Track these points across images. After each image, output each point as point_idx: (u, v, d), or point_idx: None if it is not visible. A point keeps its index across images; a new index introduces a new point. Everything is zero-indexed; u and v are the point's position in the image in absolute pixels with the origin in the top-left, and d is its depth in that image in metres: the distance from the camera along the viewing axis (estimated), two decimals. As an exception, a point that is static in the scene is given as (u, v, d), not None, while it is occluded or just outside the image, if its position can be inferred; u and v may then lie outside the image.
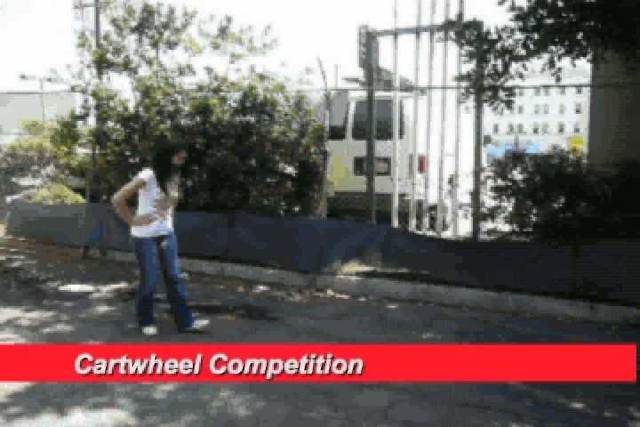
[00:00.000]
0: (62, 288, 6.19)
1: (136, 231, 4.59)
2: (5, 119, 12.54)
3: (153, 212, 4.57)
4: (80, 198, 9.15)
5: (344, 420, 3.23)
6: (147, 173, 4.55)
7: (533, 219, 6.07)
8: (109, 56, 7.87)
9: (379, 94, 7.37)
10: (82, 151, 8.88)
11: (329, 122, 7.15)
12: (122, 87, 8.05)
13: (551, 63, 4.75)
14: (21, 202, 9.04)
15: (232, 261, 6.91)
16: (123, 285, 6.38)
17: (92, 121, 8.16)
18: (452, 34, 5.39)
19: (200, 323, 4.80)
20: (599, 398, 3.54)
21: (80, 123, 8.05)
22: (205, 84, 7.43)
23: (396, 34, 7.10)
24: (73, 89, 7.99)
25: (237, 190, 6.92)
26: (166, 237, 4.70)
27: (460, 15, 6.54)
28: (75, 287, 6.22)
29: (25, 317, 5.14)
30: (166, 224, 4.70)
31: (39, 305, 5.54)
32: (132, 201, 4.65)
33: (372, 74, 7.11)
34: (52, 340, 4.52)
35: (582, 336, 4.71)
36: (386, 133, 7.44)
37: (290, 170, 7.01)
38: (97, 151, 8.10)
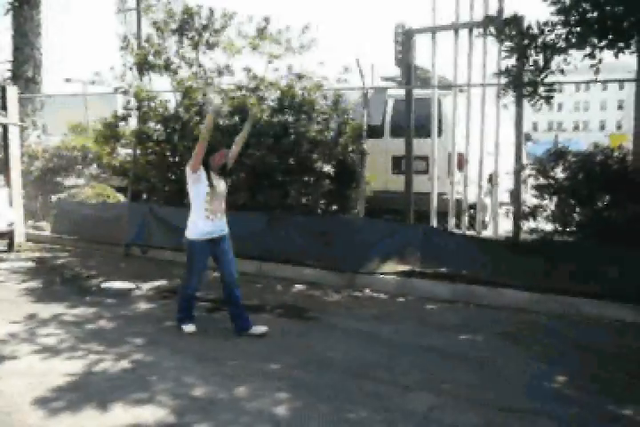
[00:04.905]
0: (104, 285, 6.33)
1: (190, 233, 4.55)
2: (52, 121, 12.89)
3: (204, 209, 4.49)
4: (121, 197, 9.34)
5: (383, 422, 3.19)
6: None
7: (577, 218, 5.93)
8: (150, 58, 8.02)
9: (417, 92, 7.30)
10: (123, 151, 9.07)
11: (367, 121, 7.12)
12: (162, 88, 8.19)
13: (591, 55, 4.62)
14: (65, 201, 9.28)
15: (270, 260, 6.94)
16: (162, 282, 6.48)
17: (133, 122, 8.32)
18: (491, 29, 5.30)
19: (259, 329, 4.66)
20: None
21: (122, 123, 8.22)
22: (244, 84, 7.49)
23: (434, 31, 7.02)
24: (116, 91, 8.16)
25: (276, 189, 6.95)
26: (221, 239, 4.60)
27: (501, 11, 6.42)
28: (116, 285, 6.35)
29: (69, 312, 5.27)
30: (220, 224, 4.60)
31: (82, 301, 5.68)
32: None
33: (410, 72, 7.05)
34: (95, 336, 4.62)
35: (632, 341, 4.57)
36: (424, 132, 7.35)
37: (327, 169, 7.00)
38: (138, 151, 8.26)
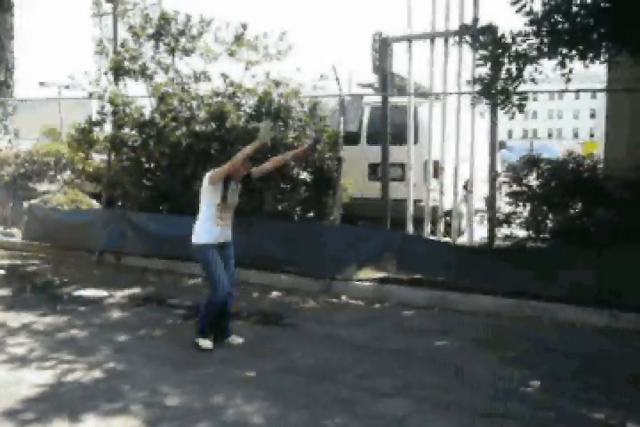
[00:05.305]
0: (77, 293, 6.22)
1: (199, 238, 4.48)
2: (25, 126, 12.68)
3: (215, 217, 4.47)
4: (95, 204, 9.21)
5: (360, 429, 3.19)
6: None
7: (550, 224, 6.02)
8: (126, 63, 7.93)
9: (393, 100, 7.35)
10: (98, 157, 8.95)
11: (343, 127, 7.14)
12: (138, 93, 8.12)
13: (562, 64, 4.72)
14: (37, 207, 9.11)
15: (246, 266, 6.88)
16: (136, 290, 6.39)
17: (108, 127, 8.23)
18: (466, 38, 5.38)
19: (236, 340, 4.63)
20: (623, 408, 3.47)
21: (96, 129, 8.12)
22: (221, 91, 7.47)
23: (410, 40, 7.09)
24: (90, 96, 8.07)
25: (252, 195, 6.92)
26: (227, 245, 4.59)
27: (476, 20, 6.51)
28: (89, 292, 6.24)
29: (39, 321, 5.17)
30: (228, 231, 4.58)
31: (54, 310, 5.56)
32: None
33: (387, 80, 7.10)
34: (66, 345, 4.53)
35: (605, 345, 4.63)
36: (400, 139, 7.40)
37: (304, 175, 7.00)
38: (113, 157, 8.16)
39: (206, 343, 4.45)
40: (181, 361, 4.21)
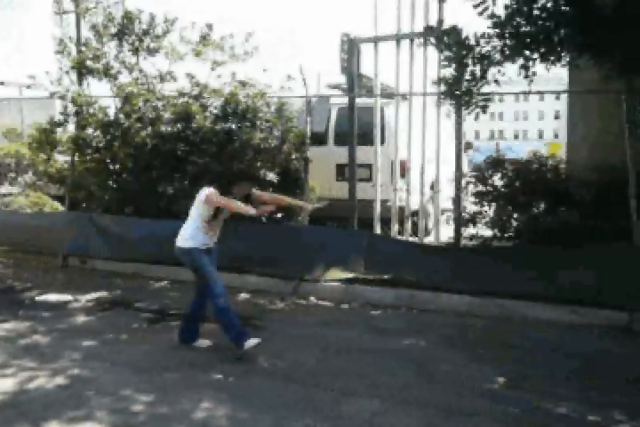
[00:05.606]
0: (40, 298, 6.08)
1: (188, 243, 4.45)
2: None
3: (204, 226, 4.48)
4: (59, 206, 9.01)
5: (328, 430, 3.19)
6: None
7: (514, 224, 6.14)
8: (89, 62, 7.80)
9: (360, 101, 7.39)
10: (62, 158, 8.77)
11: (310, 128, 7.15)
12: (102, 93, 7.99)
13: (525, 67, 4.81)
14: (-2, 210, 8.88)
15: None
16: (102, 294, 6.27)
17: (71, 128, 8.07)
18: (431, 39, 5.44)
19: (204, 343, 4.62)
20: (585, 403, 3.54)
21: (59, 129, 7.95)
22: (186, 91, 7.40)
23: (376, 41, 7.14)
24: (52, 95, 7.90)
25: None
26: (212, 250, 4.61)
27: (441, 21, 6.59)
28: (53, 297, 6.10)
29: (0, 327, 5.03)
30: (215, 238, 4.62)
31: (15, 316, 5.42)
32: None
33: (354, 81, 7.14)
34: (29, 351, 4.42)
35: (566, 341, 4.73)
36: (367, 140, 7.44)
37: (271, 176, 6.98)
38: (76, 158, 8.01)
39: (250, 342, 4.27)
40: (148, 366, 4.15)
